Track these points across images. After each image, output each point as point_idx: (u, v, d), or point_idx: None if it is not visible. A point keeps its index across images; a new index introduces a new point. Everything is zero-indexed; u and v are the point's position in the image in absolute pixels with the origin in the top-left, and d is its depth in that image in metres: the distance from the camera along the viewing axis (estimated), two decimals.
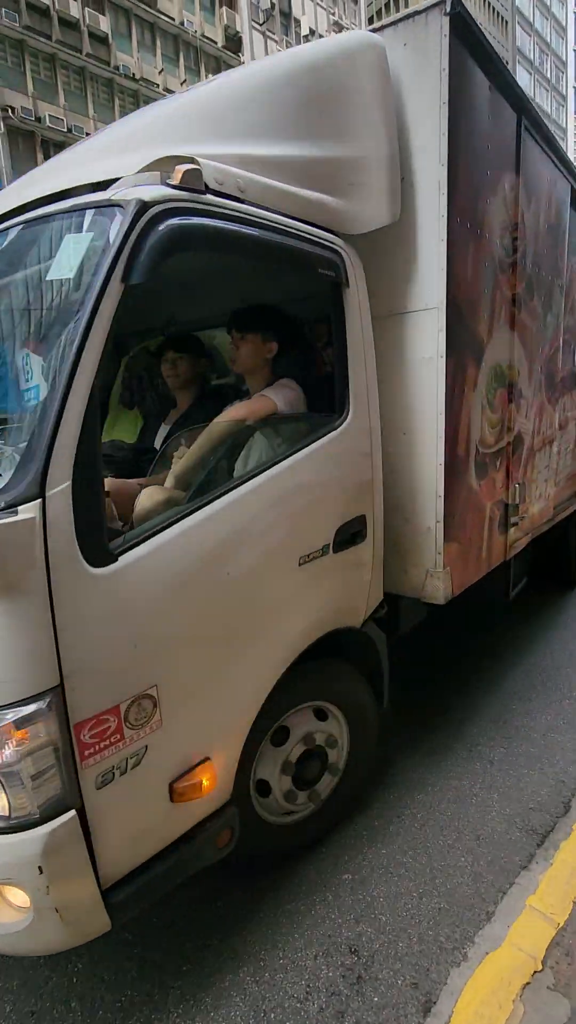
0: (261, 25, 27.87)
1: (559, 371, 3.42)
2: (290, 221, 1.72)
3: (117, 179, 1.47)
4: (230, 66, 20.16)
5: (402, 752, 2.71)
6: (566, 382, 3.61)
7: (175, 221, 1.37)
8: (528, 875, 2.00)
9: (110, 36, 22.76)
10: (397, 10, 41.88)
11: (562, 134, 63.53)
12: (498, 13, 51.36)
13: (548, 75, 61.02)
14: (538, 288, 2.84)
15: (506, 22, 52.54)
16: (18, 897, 1.29)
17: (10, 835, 1.23)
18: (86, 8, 21.97)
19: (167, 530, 1.45)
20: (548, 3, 59.81)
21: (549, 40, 60.70)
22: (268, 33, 28.34)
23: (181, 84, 24.10)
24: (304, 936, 1.80)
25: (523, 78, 55.35)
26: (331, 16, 31.74)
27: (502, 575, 2.98)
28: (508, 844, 2.14)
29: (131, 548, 1.36)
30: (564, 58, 64.65)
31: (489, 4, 50.05)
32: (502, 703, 3.15)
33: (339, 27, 31.35)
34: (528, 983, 1.62)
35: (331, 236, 1.86)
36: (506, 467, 2.69)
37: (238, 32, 27.04)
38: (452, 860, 2.08)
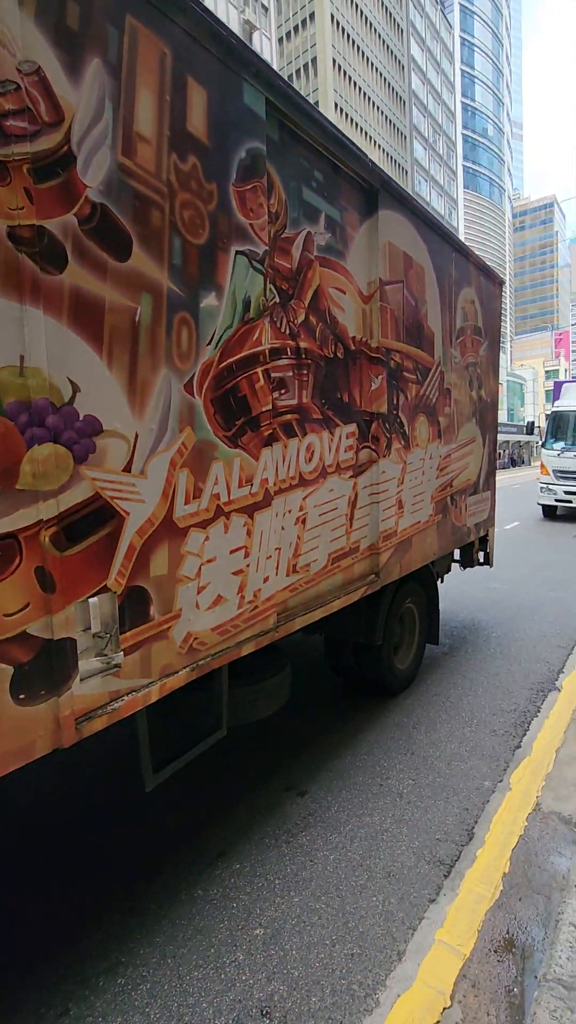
0: None
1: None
2: None
3: None
4: None
5: (315, 783, 2.70)
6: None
7: None
8: (436, 908, 2.04)
9: None
10: (304, 28, 45.08)
11: (453, 204, 70.77)
12: (396, 92, 56.91)
13: (440, 152, 68.19)
14: None
15: (403, 101, 58.31)
16: None
17: None
18: None
19: None
20: (439, 91, 67.27)
21: (441, 122, 68.04)
22: None
23: None
24: (213, 1005, 1.70)
25: (419, 151, 61.39)
26: (241, 16, 33.19)
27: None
28: (417, 878, 2.17)
29: None
30: (454, 138, 72.68)
31: (390, 85, 55.41)
32: (408, 734, 3.24)
33: (250, 26, 32.99)
34: (438, 1021, 1.63)
35: None
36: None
37: None
38: (364, 901, 2.07)
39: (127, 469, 1.60)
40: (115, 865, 2.27)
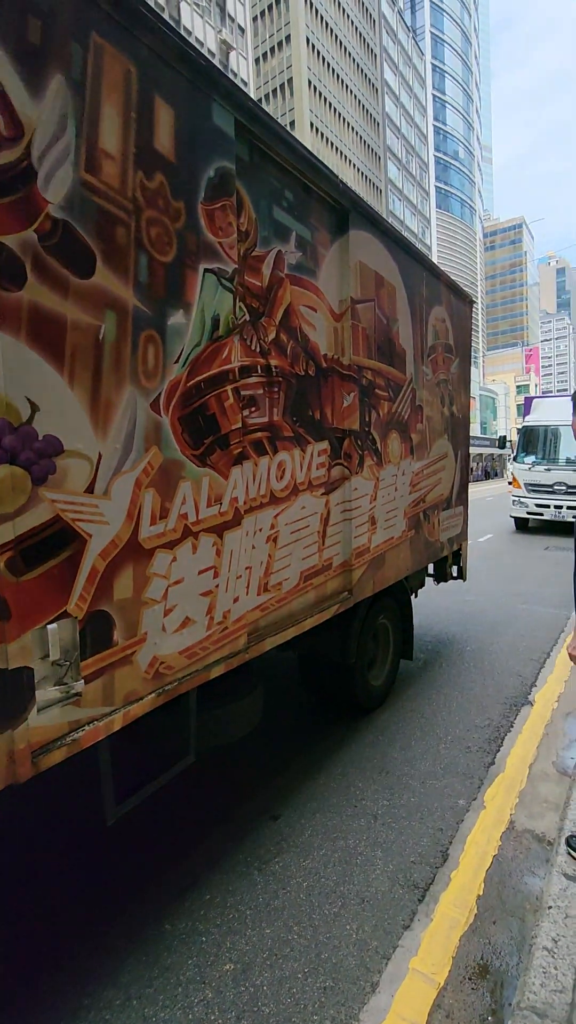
0: None
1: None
2: None
3: None
4: None
5: (289, 807, 2.64)
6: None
7: None
8: (411, 935, 2.00)
9: None
10: (281, 50, 45.94)
11: (426, 223, 72.50)
12: (371, 115, 58.35)
13: (414, 172, 69.92)
14: None
15: (378, 123, 59.80)
16: None
17: None
18: None
19: None
20: (412, 114, 69.20)
21: (414, 144, 69.90)
22: None
23: None
24: None
25: (393, 172, 62.88)
26: (218, 35, 33.72)
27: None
28: (391, 904, 2.13)
29: None
30: (426, 160, 74.68)
31: (364, 108, 56.76)
32: (383, 752, 3.21)
33: (227, 45, 33.52)
34: None
35: None
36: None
37: None
38: (338, 930, 2.02)
39: (89, 490, 1.56)
40: (77, 903, 2.17)
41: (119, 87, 1.59)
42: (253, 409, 2.26)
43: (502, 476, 45.06)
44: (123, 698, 1.70)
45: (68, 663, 1.49)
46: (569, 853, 2.20)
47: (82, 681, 1.54)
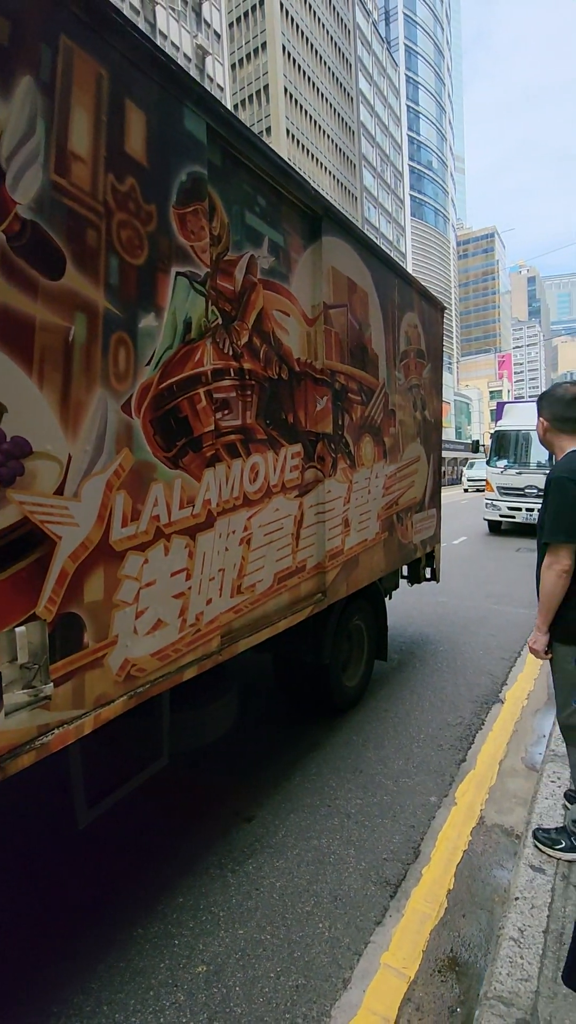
0: None
1: None
2: None
3: None
4: None
5: (263, 808, 2.65)
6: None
7: None
8: (382, 931, 2.02)
9: None
10: (257, 56, 46.23)
11: (401, 231, 73.54)
12: (346, 123, 59.01)
13: (388, 181, 70.91)
14: None
15: (353, 132, 60.49)
16: None
17: None
18: None
19: None
20: (386, 123, 70.22)
21: (388, 153, 70.92)
22: None
23: None
24: None
25: (368, 180, 63.65)
26: (194, 40, 33.77)
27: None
28: (364, 901, 2.15)
29: None
30: (401, 169, 75.81)
31: (339, 116, 57.39)
32: (357, 751, 3.25)
33: (203, 50, 33.59)
34: None
35: None
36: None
37: None
38: (311, 928, 2.03)
39: (59, 492, 1.55)
40: (46, 909, 2.14)
41: (89, 90, 1.60)
42: (226, 412, 2.27)
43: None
44: (94, 701, 1.69)
45: (37, 666, 1.48)
46: (536, 845, 2.26)
47: (51, 684, 1.53)
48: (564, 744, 2.56)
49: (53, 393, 1.51)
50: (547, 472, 2.26)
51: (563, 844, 2.21)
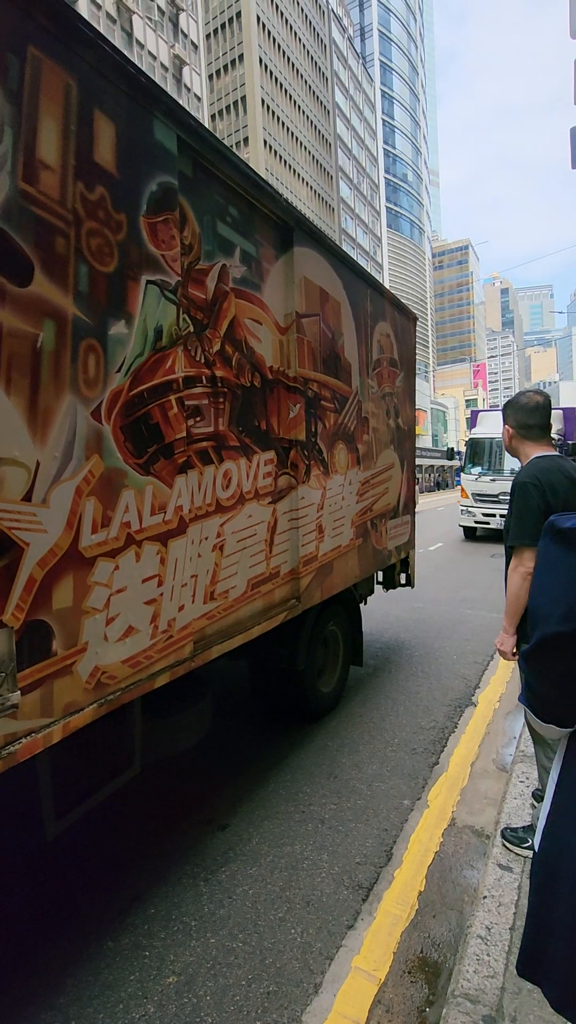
0: None
1: None
2: None
3: None
4: None
5: (237, 815, 2.64)
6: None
7: None
8: (354, 934, 2.04)
9: None
10: (234, 68, 46.79)
11: (377, 242, 74.67)
12: (323, 135, 59.82)
13: (365, 193, 72.04)
14: None
15: (329, 144, 61.33)
16: None
17: None
18: None
19: None
20: (362, 136, 71.40)
21: (364, 165, 72.09)
22: None
23: None
24: None
25: (345, 191, 64.55)
26: (171, 50, 33.81)
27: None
28: (336, 905, 2.16)
29: None
30: (377, 181, 77.09)
31: (316, 128, 58.14)
32: (332, 757, 3.26)
33: (180, 60, 33.68)
34: None
35: None
36: None
37: None
38: (283, 934, 2.03)
39: (27, 498, 1.54)
40: (12, 922, 2.10)
41: (58, 99, 1.61)
42: (198, 419, 2.29)
43: (452, 487, 46.37)
44: (63, 709, 1.67)
45: (4, 674, 1.46)
46: (504, 844, 2.30)
47: (19, 692, 1.51)
48: (532, 744, 2.61)
49: (21, 399, 1.51)
50: None
51: (530, 842, 2.25)
